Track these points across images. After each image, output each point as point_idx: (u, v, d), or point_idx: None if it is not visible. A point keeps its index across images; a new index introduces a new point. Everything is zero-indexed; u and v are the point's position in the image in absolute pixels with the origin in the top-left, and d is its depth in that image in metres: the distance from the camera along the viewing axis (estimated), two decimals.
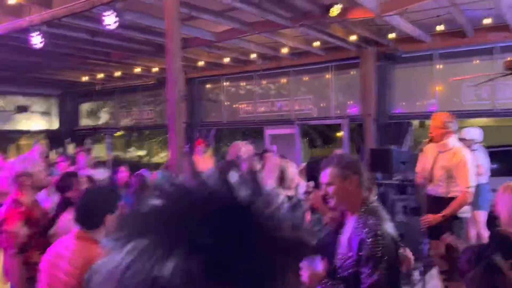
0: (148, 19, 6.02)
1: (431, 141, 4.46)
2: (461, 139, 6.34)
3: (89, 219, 2.25)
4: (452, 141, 4.41)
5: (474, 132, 6.38)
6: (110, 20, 4.74)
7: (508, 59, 5.24)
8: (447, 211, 4.19)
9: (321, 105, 9.34)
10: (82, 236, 2.22)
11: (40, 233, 2.85)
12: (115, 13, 4.78)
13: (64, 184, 3.62)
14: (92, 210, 2.25)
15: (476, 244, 3.53)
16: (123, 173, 5.37)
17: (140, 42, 7.49)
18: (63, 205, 3.43)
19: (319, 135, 21.92)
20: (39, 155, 4.88)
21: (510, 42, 6.94)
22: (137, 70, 9.84)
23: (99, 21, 5.21)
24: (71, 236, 2.27)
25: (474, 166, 5.91)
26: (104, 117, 13.02)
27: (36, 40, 5.45)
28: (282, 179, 3.65)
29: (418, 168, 4.65)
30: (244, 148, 5.90)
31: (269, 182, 3.93)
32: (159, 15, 5.42)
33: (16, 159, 3.71)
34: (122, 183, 5.36)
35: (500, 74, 5.21)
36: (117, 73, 10.19)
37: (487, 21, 6.36)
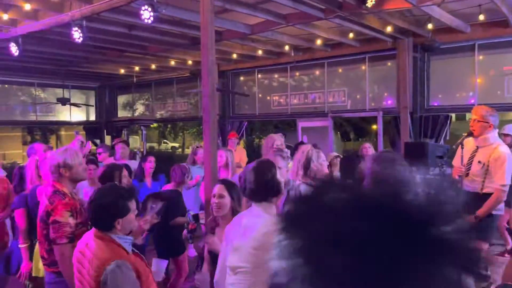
0: (183, 13, 6.11)
1: (470, 135, 4.34)
2: (503, 134, 6.14)
3: (100, 222, 2.35)
4: (493, 136, 4.27)
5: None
6: (147, 14, 4.85)
7: None
8: (481, 212, 4.08)
9: (355, 97, 9.21)
10: (99, 236, 2.31)
11: (83, 224, 2.96)
12: (152, 7, 4.88)
13: (108, 176, 3.76)
14: (101, 215, 2.34)
15: None
16: (150, 163, 5.50)
17: (175, 35, 7.61)
18: None
19: (352, 128, 21.65)
20: (79, 146, 5.05)
21: None
22: (172, 63, 10.01)
23: (136, 15, 5.34)
24: (91, 234, 2.37)
25: None
26: (140, 109, 13.35)
27: (77, 35, 5.64)
28: (307, 168, 3.66)
29: (455, 162, 4.54)
30: (279, 141, 5.92)
31: (293, 168, 3.95)
32: (194, 9, 5.50)
33: (56, 149, 3.85)
34: (148, 173, 5.52)
35: None
36: (153, 66, 10.40)
37: None
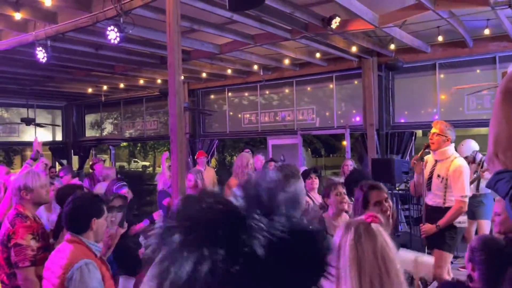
0: (150, 33, 6.12)
1: (428, 147, 4.50)
2: (465, 157, 6.29)
3: (76, 224, 2.41)
4: (450, 150, 4.46)
5: (473, 145, 6.38)
6: (113, 34, 4.82)
7: (505, 71, 5.26)
8: (442, 221, 4.21)
9: (324, 115, 9.38)
10: (71, 240, 2.38)
11: (44, 248, 2.88)
12: (118, 28, 4.86)
13: (66, 197, 3.66)
14: (77, 215, 2.40)
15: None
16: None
17: (143, 55, 7.59)
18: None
19: (322, 144, 21.94)
20: (43, 168, 4.92)
21: (509, 52, 6.96)
22: (141, 81, 9.95)
23: (103, 35, 5.30)
24: (64, 241, 2.44)
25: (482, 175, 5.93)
26: (108, 128, 13.13)
27: (41, 55, 5.54)
28: None
29: (415, 177, 4.67)
30: (251, 160, 5.95)
31: None
32: (161, 29, 5.51)
33: (19, 172, 3.75)
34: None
35: (497, 85, 5.22)
36: (122, 85, 10.31)
37: (486, 31, 6.39)
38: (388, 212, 2.65)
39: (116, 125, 12.93)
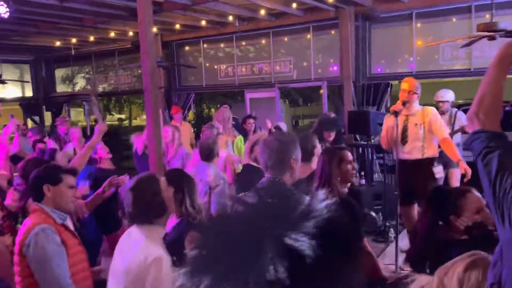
0: None
1: (404, 104, 4.57)
2: (440, 102, 6.47)
3: (33, 192, 2.51)
4: (417, 104, 4.69)
5: (450, 94, 6.52)
6: None
7: (481, 23, 5.26)
8: (456, 158, 4.39)
9: (301, 67, 9.28)
10: (34, 209, 2.46)
11: (8, 216, 2.88)
12: None
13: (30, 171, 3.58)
14: (32, 184, 2.50)
15: None
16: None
17: (112, 7, 7.23)
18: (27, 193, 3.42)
19: (300, 94, 21.90)
20: (16, 129, 4.79)
21: (486, 0, 6.91)
22: (112, 34, 9.56)
23: None
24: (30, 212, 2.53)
25: (458, 125, 6.14)
26: (80, 83, 12.73)
27: (2, 9, 5.22)
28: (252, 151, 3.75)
29: (384, 132, 4.78)
30: (229, 113, 5.94)
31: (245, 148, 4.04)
32: None
33: None
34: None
35: (472, 37, 5.24)
36: (92, 38, 9.89)
37: None
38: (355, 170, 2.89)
39: (89, 79, 12.53)
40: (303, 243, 0.59)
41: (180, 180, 2.68)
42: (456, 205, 2.13)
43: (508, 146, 1.36)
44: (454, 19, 7.69)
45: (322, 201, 0.67)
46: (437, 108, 5.31)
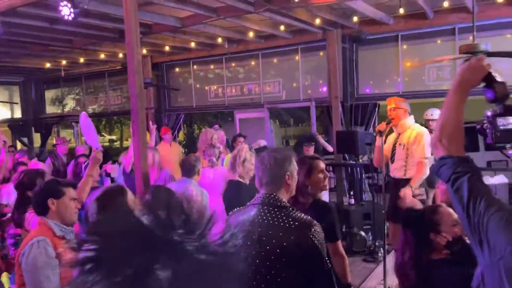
0: (107, 7, 5.88)
1: (389, 122, 4.64)
2: (430, 120, 6.49)
3: (37, 205, 2.60)
4: (410, 120, 4.68)
5: (438, 113, 6.58)
6: (66, 10, 4.61)
7: (463, 44, 5.38)
8: (413, 181, 4.39)
9: (290, 87, 9.39)
10: (39, 222, 2.57)
11: None
12: (71, 3, 4.64)
13: (26, 184, 3.57)
14: (38, 196, 2.59)
15: None
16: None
17: (102, 29, 7.30)
18: (23, 204, 3.40)
19: (290, 115, 22.03)
20: (2, 145, 4.77)
21: (468, 23, 7.09)
22: (102, 56, 9.62)
23: (57, 9, 5.06)
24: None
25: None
26: (70, 104, 12.71)
27: None
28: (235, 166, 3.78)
29: (376, 151, 4.81)
30: (215, 135, 5.95)
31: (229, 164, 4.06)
32: (118, 2, 5.30)
33: None
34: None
35: (455, 57, 5.37)
36: (82, 59, 9.94)
37: (446, 3, 6.48)
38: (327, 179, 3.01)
39: (78, 100, 12.53)
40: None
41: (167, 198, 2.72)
42: (432, 221, 2.15)
43: (475, 170, 1.38)
44: (438, 41, 7.87)
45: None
46: (427, 127, 5.36)
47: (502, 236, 1.23)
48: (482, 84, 1.61)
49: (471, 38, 6.59)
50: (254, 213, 2.17)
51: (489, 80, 1.61)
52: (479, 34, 6.93)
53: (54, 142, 7.44)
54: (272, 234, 2.08)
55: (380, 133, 4.54)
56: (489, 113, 1.65)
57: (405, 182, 4.51)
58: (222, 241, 0.67)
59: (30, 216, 3.22)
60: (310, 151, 6.62)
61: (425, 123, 6.39)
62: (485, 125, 1.65)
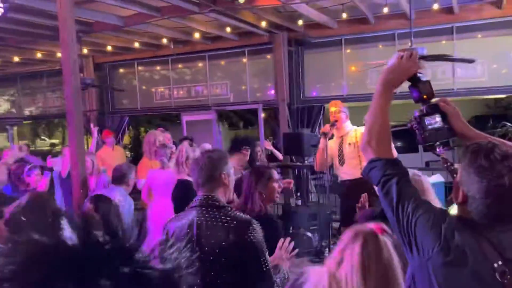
0: (42, 3, 5.54)
1: (333, 125, 4.71)
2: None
3: None
4: (349, 124, 4.83)
5: None
6: None
7: (402, 48, 5.59)
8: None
9: (238, 90, 9.35)
10: None
11: None
12: None
13: None
14: None
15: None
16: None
17: (37, 26, 6.89)
18: None
19: (239, 118, 22.03)
20: None
21: (407, 29, 7.40)
22: (39, 55, 9.10)
23: None
24: None
25: None
26: (4, 106, 11.93)
27: None
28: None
29: (318, 154, 4.87)
30: (160, 137, 5.78)
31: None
32: None
33: None
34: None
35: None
36: (16, 58, 9.35)
37: (385, 9, 6.72)
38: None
39: (14, 102, 11.78)
40: None
41: (107, 207, 2.70)
42: None
43: (404, 173, 1.39)
44: (380, 46, 8.14)
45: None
46: None
47: (429, 237, 1.24)
48: (408, 84, 1.63)
49: (409, 43, 6.90)
50: (193, 215, 2.13)
51: (414, 79, 1.63)
52: (416, 40, 7.26)
53: None
54: (211, 235, 2.05)
55: (325, 134, 4.59)
56: (416, 114, 1.66)
57: (364, 180, 4.48)
58: (159, 255, 0.59)
59: None
60: (247, 155, 6.33)
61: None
62: (414, 125, 1.66)
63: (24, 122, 16.61)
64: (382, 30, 7.74)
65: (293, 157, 8.37)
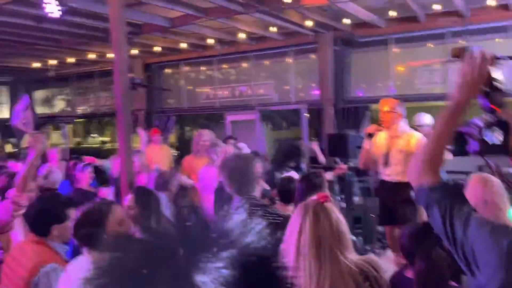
0: (94, 5, 5.78)
1: (380, 125, 4.54)
2: (418, 126, 6.31)
3: (37, 228, 2.40)
4: (403, 125, 4.50)
5: (425, 118, 6.42)
6: (51, 8, 4.51)
7: (455, 47, 5.33)
8: None
9: (282, 90, 9.33)
10: (35, 241, 2.38)
11: None
12: (58, 1, 4.54)
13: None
14: (38, 220, 2.40)
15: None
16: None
17: (90, 28, 7.20)
18: None
19: (282, 118, 21.97)
20: None
21: (459, 27, 7.09)
22: (91, 56, 9.49)
23: (43, 7, 4.95)
24: (27, 241, 2.43)
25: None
26: (60, 105, 12.56)
27: None
28: None
29: (364, 153, 4.69)
30: (207, 137, 5.87)
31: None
32: (105, 0, 5.20)
33: None
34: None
35: (445, 60, 5.33)
36: (71, 59, 9.80)
37: (437, 6, 6.46)
38: None
39: (68, 101, 12.38)
40: (212, 283, 0.52)
41: (147, 199, 2.73)
42: None
43: (452, 197, 1.29)
44: (430, 45, 7.85)
45: (242, 223, 0.60)
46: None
47: (490, 256, 1.15)
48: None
49: (461, 41, 6.61)
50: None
51: (488, 86, 1.43)
52: (470, 38, 6.93)
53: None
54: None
55: (370, 135, 4.45)
56: (478, 122, 1.52)
57: (406, 185, 4.29)
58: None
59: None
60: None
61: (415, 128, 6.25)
62: (471, 132, 1.52)
63: (76, 120, 17.42)
64: (433, 28, 7.44)
65: (337, 159, 8.24)
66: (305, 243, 1.57)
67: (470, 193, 2.85)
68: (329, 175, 4.93)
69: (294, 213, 1.69)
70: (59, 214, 2.40)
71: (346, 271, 1.59)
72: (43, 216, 2.40)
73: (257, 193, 2.25)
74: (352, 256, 1.65)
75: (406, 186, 4.42)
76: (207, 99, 10.19)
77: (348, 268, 1.60)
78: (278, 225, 2.08)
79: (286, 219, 2.07)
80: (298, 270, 1.56)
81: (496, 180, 2.30)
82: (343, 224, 1.67)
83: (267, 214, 2.13)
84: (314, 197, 1.70)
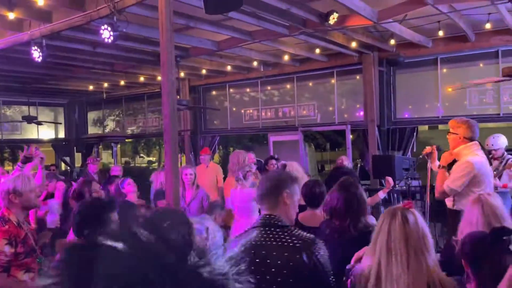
0: (146, 30, 6.07)
1: (438, 149, 4.25)
2: (493, 150, 5.76)
3: (83, 234, 2.41)
4: (466, 148, 3.90)
5: (500, 140, 5.80)
6: (106, 33, 4.78)
7: (507, 66, 5.14)
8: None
9: (325, 110, 9.30)
10: None
11: (26, 253, 2.83)
12: (111, 27, 4.82)
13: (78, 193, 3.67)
14: (85, 225, 2.41)
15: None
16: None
17: (141, 52, 7.54)
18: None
19: (325, 139, 21.81)
20: (39, 162, 4.87)
21: (511, 46, 6.84)
22: (141, 79, 9.92)
23: (98, 33, 5.26)
24: None
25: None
26: (110, 125, 13.13)
27: (36, 54, 5.52)
28: None
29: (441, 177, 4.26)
30: (243, 157, 5.91)
31: None
32: (156, 26, 5.46)
33: (10, 175, 3.73)
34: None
35: (498, 80, 5.12)
36: (122, 82, 10.28)
37: (488, 25, 6.27)
38: None
39: (118, 122, 12.93)
40: None
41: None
42: None
43: None
44: (480, 64, 7.60)
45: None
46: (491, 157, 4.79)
47: None
48: None
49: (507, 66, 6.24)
50: (255, 235, 2.11)
51: None
52: None
53: (87, 161, 7.71)
54: (277, 255, 2.03)
55: (427, 157, 4.20)
56: None
57: (454, 213, 3.96)
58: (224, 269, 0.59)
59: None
60: None
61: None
62: None
63: (126, 140, 18.08)
64: (483, 47, 7.22)
65: (383, 181, 8.05)
66: (395, 239, 1.82)
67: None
68: (381, 194, 4.79)
69: (381, 217, 1.94)
70: (104, 220, 2.42)
71: (425, 269, 1.82)
72: (87, 221, 2.41)
73: (281, 211, 2.17)
74: (434, 257, 1.88)
75: (454, 214, 4.14)
76: (251, 119, 10.32)
77: (427, 268, 1.83)
78: (296, 249, 2.02)
79: (306, 243, 2.03)
80: (388, 264, 1.82)
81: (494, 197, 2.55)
82: (426, 227, 1.89)
83: (287, 236, 2.06)
84: (399, 204, 2.01)
